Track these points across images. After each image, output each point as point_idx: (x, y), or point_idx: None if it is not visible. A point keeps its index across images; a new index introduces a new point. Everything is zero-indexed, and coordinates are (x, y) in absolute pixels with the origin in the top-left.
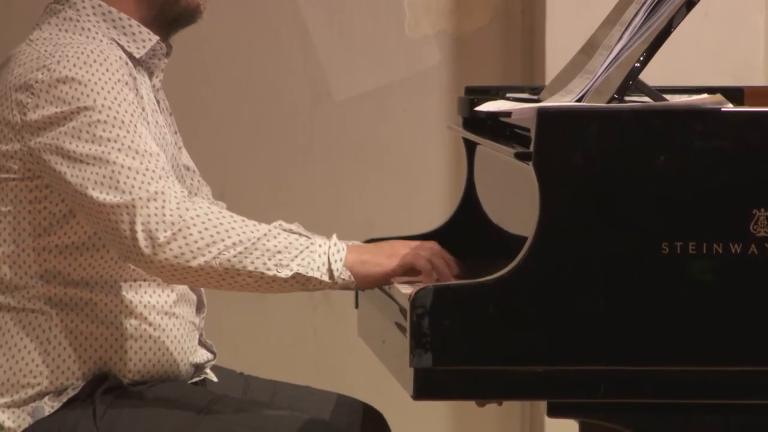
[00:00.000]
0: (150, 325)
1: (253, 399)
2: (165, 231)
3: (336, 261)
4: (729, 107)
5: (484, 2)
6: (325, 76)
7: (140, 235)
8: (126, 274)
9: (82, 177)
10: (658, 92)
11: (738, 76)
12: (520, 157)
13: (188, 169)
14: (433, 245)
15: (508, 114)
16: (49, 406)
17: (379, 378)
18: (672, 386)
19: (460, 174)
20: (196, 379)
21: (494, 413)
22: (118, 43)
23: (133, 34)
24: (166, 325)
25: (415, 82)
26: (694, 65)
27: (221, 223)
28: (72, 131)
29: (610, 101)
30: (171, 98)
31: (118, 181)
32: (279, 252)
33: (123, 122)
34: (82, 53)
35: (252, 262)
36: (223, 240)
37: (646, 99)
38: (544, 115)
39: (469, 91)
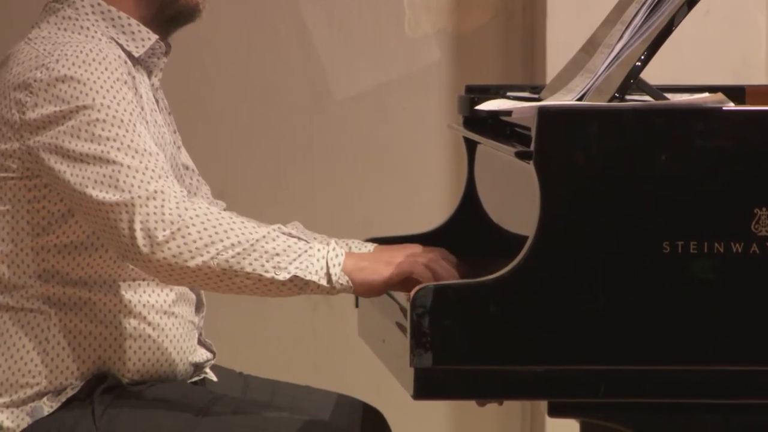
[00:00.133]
0: (149, 324)
1: (252, 399)
2: (164, 230)
3: (334, 266)
4: (730, 106)
5: (484, 1)
6: (325, 74)
7: (139, 234)
8: (125, 273)
9: (81, 176)
10: (659, 91)
11: (739, 75)
12: (520, 156)
13: (187, 168)
14: (434, 252)
15: (508, 113)
16: (48, 406)
17: (379, 378)
18: (673, 386)
19: (461, 173)
20: (195, 379)
21: (495, 413)
22: (117, 42)
23: (132, 32)
24: (165, 324)
25: (415, 81)
26: (695, 64)
27: (220, 224)
28: (71, 130)
29: (611, 100)
30: (170, 97)
31: (117, 180)
32: (277, 254)
33: (122, 121)
34: (81, 52)
35: (250, 264)
36: (221, 240)
37: (647, 98)
38: (544, 114)
39: (470, 89)
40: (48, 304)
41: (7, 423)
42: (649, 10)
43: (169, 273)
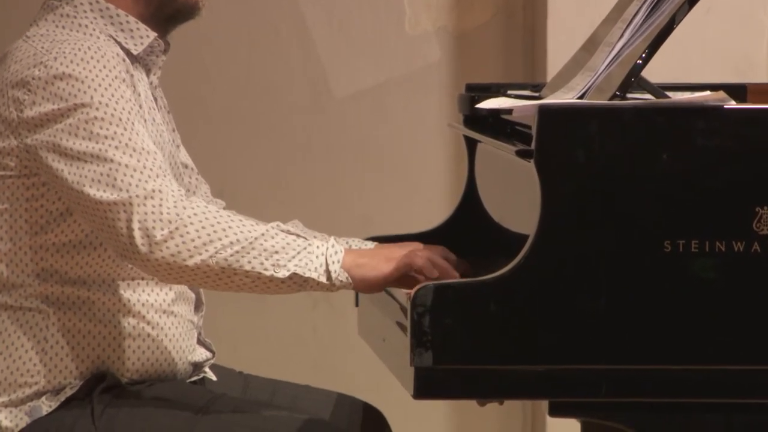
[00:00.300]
0: (148, 323)
1: (252, 398)
2: (162, 229)
3: (333, 263)
4: (732, 104)
5: None
6: (325, 73)
7: (137, 233)
8: (124, 272)
9: (79, 174)
10: (660, 89)
11: (741, 73)
12: (521, 154)
13: (186, 167)
14: (434, 249)
15: (509, 111)
16: (46, 406)
17: (379, 377)
18: (674, 385)
19: (461, 172)
20: (194, 378)
21: (495, 412)
22: (116, 40)
23: (131, 30)
24: (165, 323)
25: (416, 80)
26: (696, 62)
27: (218, 222)
28: (69, 128)
29: (612, 99)
30: (170, 96)
31: (115, 179)
32: (276, 252)
33: (120, 119)
34: (79, 50)
35: (249, 262)
36: (220, 239)
37: (649, 96)
38: (545, 112)
39: (470, 88)
40: (46, 303)
41: (5, 422)
42: (649, 9)
43: (168, 272)
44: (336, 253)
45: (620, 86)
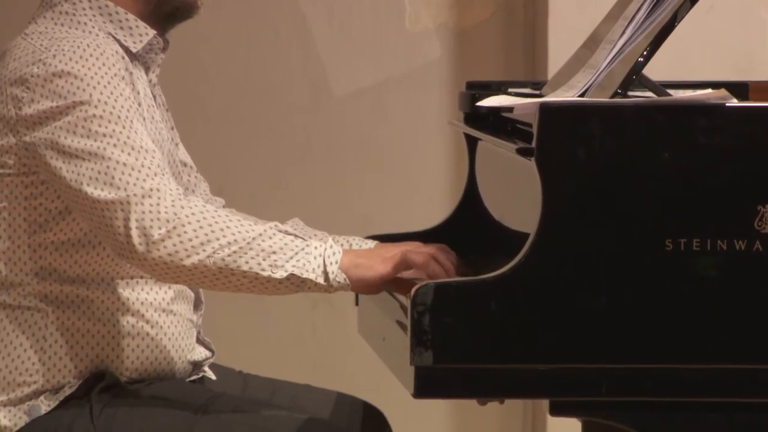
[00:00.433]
0: (147, 322)
1: (251, 397)
2: (159, 228)
3: (331, 263)
4: (733, 102)
5: None
6: (325, 71)
7: (134, 232)
8: (122, 271)
9: (77, 172)
10: (661, 87)
11: (743, 71)
12: (522, 152)
13: (185, 165)
14: (433, 248)
15: (509, 109)
16: (45, 405)
17: (379, 376)
18: (675, 384)
19: (461, 170)
20: (194, 377)
21: (496, 412)
22: (115, 38)
23: (130, 28)
24: (164, 322)
25: (416, 77)
26: (698, 60)
27: (216, 222)
28: (67, 126)
29: (613, 96)
30: (169, 95)
31: (113, 177)
32: (274, 252)
33: (119, 117)
34: (78, 47)
35: (246, 262)
36: (218, 239)
37: (650, 94)
38: (546, 110)
39: (471, 86)
40: (45, 302)
41: (4, 422)
42: (651, 6)
43: (165, 272)
44: (334, 254)
45: (621, 84)
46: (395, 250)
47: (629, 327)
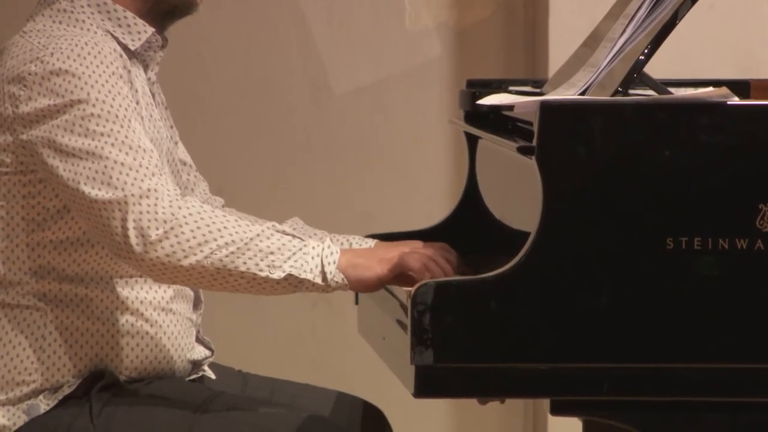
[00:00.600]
0: (146, 321)
1: (251, 397)
2: (157, 229)
3: (329, 263)
4: (735, 101)
5: None
6: (325, 70)
7: (132, 233)
8: (121, 269)
9: (75, 171)
10: (662, 85)
11: (744, 69)
12: (522, 151)
13: (184, 164)
14: (433, 247)
15: (510, 107)
16: (44, 404)
17: (379, 375)
18: (677, 384)
19: (462, 168)
20: (193, 377)
21: (496, 411)
22: (113, 35)
23: (128, 26)
24: (163, 321)
25: (416, 76)
26: (699, 58)
27: (213, 222)
28: (65, 124)
29: (614, 95)
30: (169, 93)
31: (110, 177)
32: (272, 253)
33: (117, 116)
34: (76, 45)
35: (244, 263)
36: (215, 239)
37: (651, 92)
38: (547, 108)
39: (471, 84)
40: (43, 301)
41: (3, 421)
42: (652, 4)
43: (163, 272)
44: (332, 254)
45: (622, 82)
46: (395, 251)
47: (630, 326)
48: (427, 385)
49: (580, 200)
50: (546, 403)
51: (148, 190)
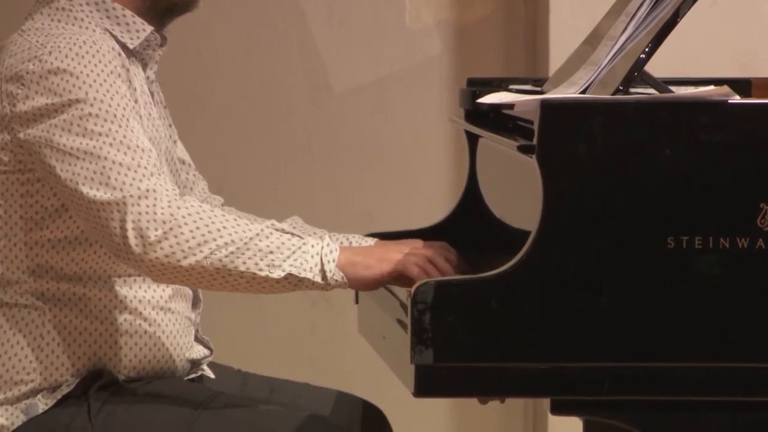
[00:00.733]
0: (145, 320)
1: (250, 396)
2: (156, 229)
3: (329, 262)
4: (736, 99)
5: None
6: (325, 68)
7: (131, 233)
8: (120, 269)
9: (73, 171)
10: (663, 84)
11: (745, 68)
12: (523, 149)
13: (183, 162)
14: (433, 247)
15: (510, 106)
16: (42, 404)
17: (379, 375)
18: (677, 383)
19: (462, 167)
20: (192, 376)
21: (496, 410)
22: (112, 34)
23: (127, 24)
24: (162, 320)
25: (416, 74)
26: (700, 56)
27: (213, 222)
28: (63, 124)
29: (614, 93)
30: (168, 92)
31: (109, 177)
32: (271, 252)
33: (115, 116)
34: (75, 44)
35: (244, 263)
36: (214, 239)
37: (652, 91)
38: (547, 107)
39: (471, 82)
40: (42, 300)
41: (1, 420)
42: (653, 2)
43: (162, 272)
44: (331, 252)
45: (623, 81)
46: (395, 250)
47: (631, 325)
48: (427, 385)
49: (580, 199)
50: (546, 402)
51: (147, 190)
